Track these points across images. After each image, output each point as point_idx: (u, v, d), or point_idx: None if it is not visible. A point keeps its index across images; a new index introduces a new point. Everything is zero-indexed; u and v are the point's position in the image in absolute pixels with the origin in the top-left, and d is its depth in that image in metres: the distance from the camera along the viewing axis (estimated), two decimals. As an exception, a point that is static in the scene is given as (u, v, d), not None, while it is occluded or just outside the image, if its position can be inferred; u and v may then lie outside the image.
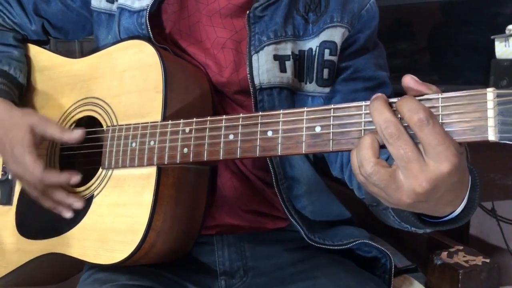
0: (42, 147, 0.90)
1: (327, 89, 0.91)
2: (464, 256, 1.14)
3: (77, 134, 0.84)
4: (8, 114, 0.88)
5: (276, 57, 0.86)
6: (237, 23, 0.89)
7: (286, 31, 0.87)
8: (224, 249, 0.95)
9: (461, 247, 1.17)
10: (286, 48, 0.87)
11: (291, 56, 0.87)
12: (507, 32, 1.23)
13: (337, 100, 0.91)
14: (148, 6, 0.88)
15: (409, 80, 0.57)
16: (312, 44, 0.89)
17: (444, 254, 1.13)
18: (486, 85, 1.35)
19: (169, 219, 0.81)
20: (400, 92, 0.59)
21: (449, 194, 0.57)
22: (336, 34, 0.88)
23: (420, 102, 0.54)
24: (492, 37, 1.26)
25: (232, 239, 0.96)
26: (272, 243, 0.97)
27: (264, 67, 0.86)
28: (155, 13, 0.89)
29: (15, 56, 0.98)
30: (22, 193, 0.94)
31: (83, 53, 1.01)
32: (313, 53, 0.89)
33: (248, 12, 0.86)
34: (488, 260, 1.13)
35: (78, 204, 0.85)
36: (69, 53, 1.01)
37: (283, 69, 0.87)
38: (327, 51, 0.88)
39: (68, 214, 0.85)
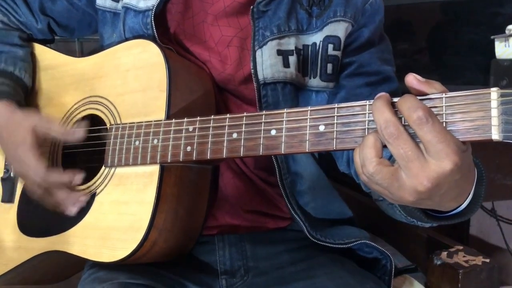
0: (45, 146, 0.91)
1: (331, 84, 0.91)
2: (464, 256, 1.13)
3: (78, 134, 0.84)
4: (11, 115, 0.89)
5: (279, 52, 0.87)
6: (242, 21, 0.90)
7: (289, 25, 0.88)
8: (225, 249, 0.95)
9: (461, 247, 1.16)
10: (290, 43, 0.88)
11: (294, 51, 0.88)
12: (507, 32, 1.21)
13: (342, 95, 0.91)
14: (153, 6, 0.88)
15: (411, 80, 0.57)
16: (316, 38, 0.89)
17: (444, 254, 1.13)
18: (486, 85, 1.34)
19: (171, 217, 0.81)
20: (403, 91, 0.59)
21: (453, 191, 0.58)
22: (339, 29, 0.89)
23: (420, 100, 0.54)
24: (492, 37, 1.24)
25: (233, 239, 0.96)
26: (273, 243, 0.98)
27: (267, 62, 0.86)
28: (160, 13, 0.90)
29: (20, 56, 0.99)
30: (24, 191, 0.93)
31: (83, 53, 1.00)
32: (317, 48, 0.89)
33: (252, 7, 0.87)
34: (488, 260, 1.12)
35: (83, 198, 0.85)
36: (70, 53, 1.01)
37: (286, 64, 0.87)
38: (330, 46, 0.89)
39: (73, 210, 0.85)
